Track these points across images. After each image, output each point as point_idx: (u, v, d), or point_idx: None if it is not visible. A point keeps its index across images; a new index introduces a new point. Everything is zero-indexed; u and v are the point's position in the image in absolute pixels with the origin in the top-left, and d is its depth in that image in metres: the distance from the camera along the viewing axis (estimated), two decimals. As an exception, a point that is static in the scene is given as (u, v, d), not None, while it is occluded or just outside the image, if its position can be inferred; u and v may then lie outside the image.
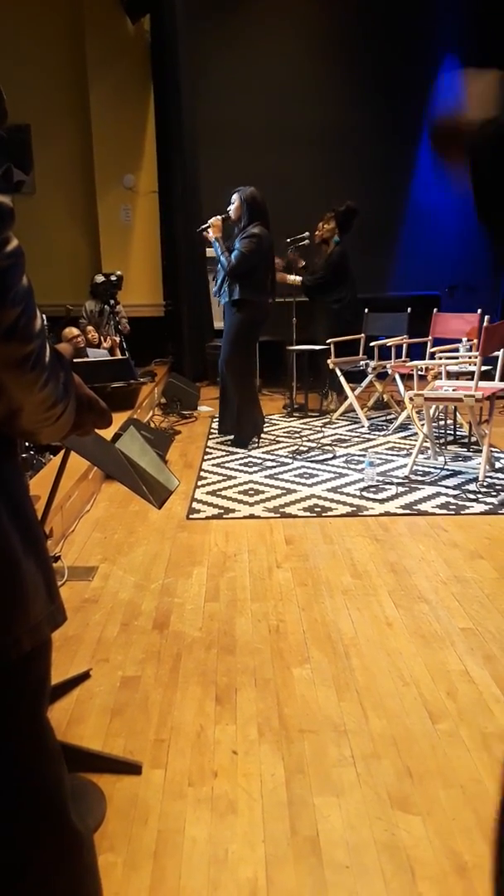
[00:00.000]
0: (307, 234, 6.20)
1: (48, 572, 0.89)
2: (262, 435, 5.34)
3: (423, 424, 4.60)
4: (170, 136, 7.24)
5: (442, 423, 5.30)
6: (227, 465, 4.73)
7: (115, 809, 1.67)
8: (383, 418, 6.09)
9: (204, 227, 5.08)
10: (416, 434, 5.20)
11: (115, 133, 7.38)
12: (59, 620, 0.90)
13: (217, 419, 5.60)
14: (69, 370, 0.85)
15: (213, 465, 4.74)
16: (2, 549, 0.80)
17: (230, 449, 5.16)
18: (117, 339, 6.41)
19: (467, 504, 3.78)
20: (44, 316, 0.79)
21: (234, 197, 4.89)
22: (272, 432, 5.60)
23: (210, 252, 7.66)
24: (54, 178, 7.63)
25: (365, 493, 4.01)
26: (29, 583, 0.83)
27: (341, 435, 5.54)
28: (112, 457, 1.87)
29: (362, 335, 6.23)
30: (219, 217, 5.00)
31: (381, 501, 3.87)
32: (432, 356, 5.40)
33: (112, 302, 6.50)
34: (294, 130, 7.84)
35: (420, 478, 4.28)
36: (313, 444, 5.22)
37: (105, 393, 4.88)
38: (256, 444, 5.21)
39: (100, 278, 6.56)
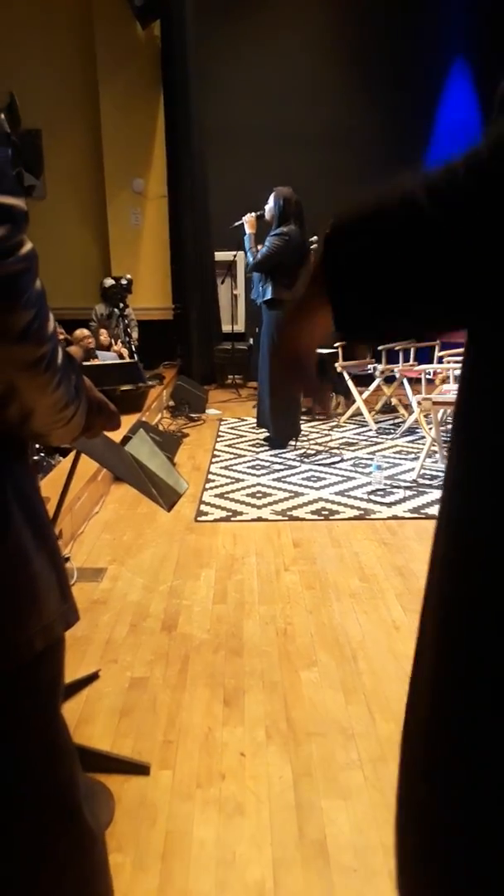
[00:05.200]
0: (316, 237, 6.21)
1: (61, 572, 0.89)
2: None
3: (431, 428, 4.59)
4: (179, 140, 7.27)
5: (450, 426, 5.29)
6: (234, 467, 4.74)
7: (124, 810, 1.68)
8: (391, 422, 6.09)
9: (237, 223, 5.15)
10: (423, 438, 5.20)
11: (124, 137, 7.41)
12: (72, 620, 0.91)
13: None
14: (80, 372, 0.86)
15: (221, 467, 4.75)
16: (15, 548, 0.81)
17: (238, 451, 5.16)
18: (126, 342, 6.43)
19: (475, 508, 3.77)
20: (57, 323, 0.80)
21: (270, 198, 4.93)
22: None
23: (219, 256, 7.72)
24: (64, 183, 7.67)
25: (373, 497, 4.01)
26: (41, 582, 0.84)
27: (349, 438, 5.54)
28: (122, 459, 1.88)
29: (371, 339, 6.23)
30: (253, 214, 5.05)
31: (389, 505, 3.87)
32: (440, 360, 5.39)
33: (122, 305, 6.53)
34: (302, 134, 7.86)
35: (428, 481, 4.28)
36: (321, 448, 5.22)
37: (114, 396, 4.90)
38: (294, 447, 5.22)
39: (109, 282, 6.60)
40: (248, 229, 5.04)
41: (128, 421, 4.79)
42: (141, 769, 1.81)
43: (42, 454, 3.83)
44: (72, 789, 0.92)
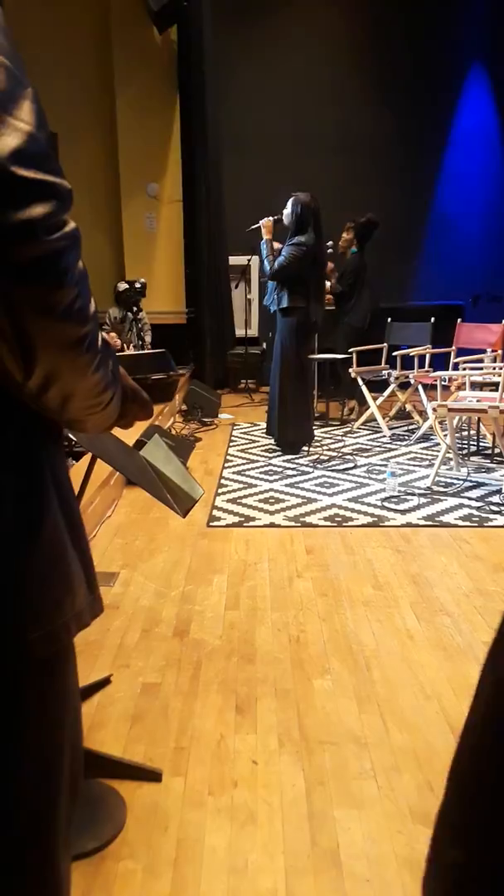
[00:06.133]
0: (331, 242, 6.20)
1: (87, 561, 0.90)
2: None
3: (445, 435, 4.57)
4: (194, 144, 7.29)
5: (465, 434, 5.27)
6: (247, 472, 4.74)
7: (135, 816, 1.68)
8: (405, 428, 6.07)
9: (254, 226, 5.15)
10: (438, 445, 5.18)
11: (140, 142, 7.44)
12: (98, 610, 0.91)
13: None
14: (116, 359, 0.86)
15: (233, 472, 4.74)
16: (54, 533, 0.81)
17: (251, 456, 5.16)
18: (139, 346, 6.45)
19: (490, 516, 3.75)
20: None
21: (289, 203, 4.93)
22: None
23: (233, 260, 7.73)
24: (80, 186, 7.66)
25: (386, 504, 4.00)
26: (75, 569, 0.84)
27: (362, 444, 5.52)
28: (136, 464, 1.88)
29: (385, 344, 6.21)
30: (270, 218, 5.05)
31: (403, 512, 3.85)
32: (456, 366, 5.37)
33: (135, 309, 6.54)
34: (318, 138, 7.87)
35: (442, 489, 4.26)
36: (334, 454, 5.21)
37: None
38: (306, 453, 5.23)
39: (123, 286, 6.61)
40: (266, 234, 5.04)
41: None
42: (153, 776, 1.80)
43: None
44: (59, 780, 0.89)
